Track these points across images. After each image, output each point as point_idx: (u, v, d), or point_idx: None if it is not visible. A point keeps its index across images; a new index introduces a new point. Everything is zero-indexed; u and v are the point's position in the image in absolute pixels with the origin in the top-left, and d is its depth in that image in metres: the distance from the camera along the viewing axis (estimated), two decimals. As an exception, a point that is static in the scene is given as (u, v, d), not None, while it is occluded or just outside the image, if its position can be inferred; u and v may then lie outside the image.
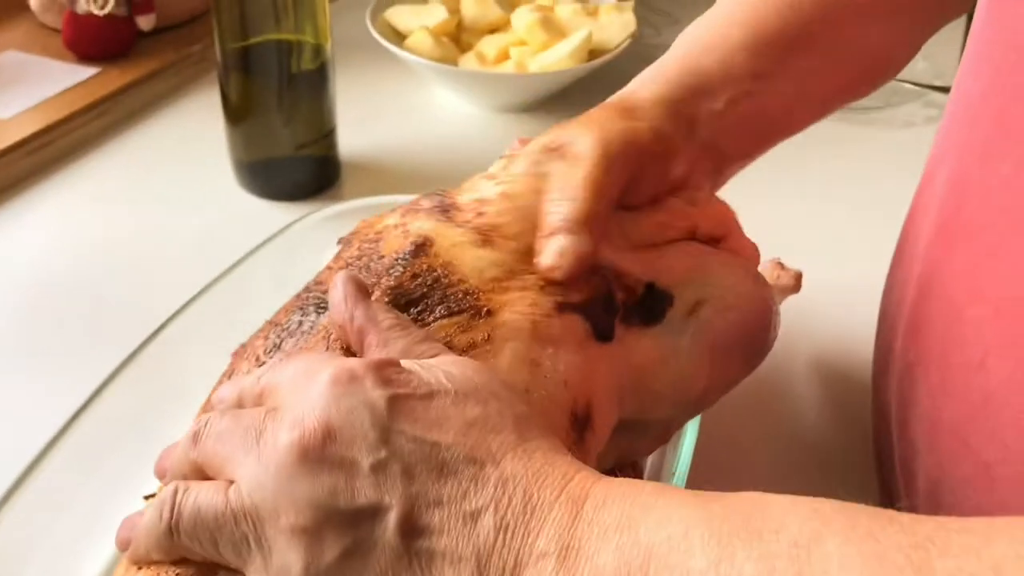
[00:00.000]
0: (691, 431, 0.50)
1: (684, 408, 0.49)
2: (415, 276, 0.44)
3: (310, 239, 0.64)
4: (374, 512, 0.32)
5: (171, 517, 0.35)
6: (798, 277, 0.67)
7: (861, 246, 0.73)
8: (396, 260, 0.45)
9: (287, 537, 0.33)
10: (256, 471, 0.34)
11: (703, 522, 0.31)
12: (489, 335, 0.43)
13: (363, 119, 0.92)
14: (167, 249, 0.77)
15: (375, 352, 0.39)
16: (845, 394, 0.66)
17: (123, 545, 0.38)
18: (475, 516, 0.32)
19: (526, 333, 0.44)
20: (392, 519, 0.32)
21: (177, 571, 0.36)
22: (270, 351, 0.44)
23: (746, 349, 0.50)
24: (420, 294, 0.44)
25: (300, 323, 0.45)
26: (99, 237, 0.79)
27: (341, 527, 0.32)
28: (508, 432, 0.35)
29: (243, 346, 0.47)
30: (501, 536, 0.32)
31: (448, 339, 0.42)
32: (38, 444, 0.47)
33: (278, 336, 0.45)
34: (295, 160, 0.82)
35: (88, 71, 0.94)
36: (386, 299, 0.43)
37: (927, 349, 0.46)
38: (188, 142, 0.91)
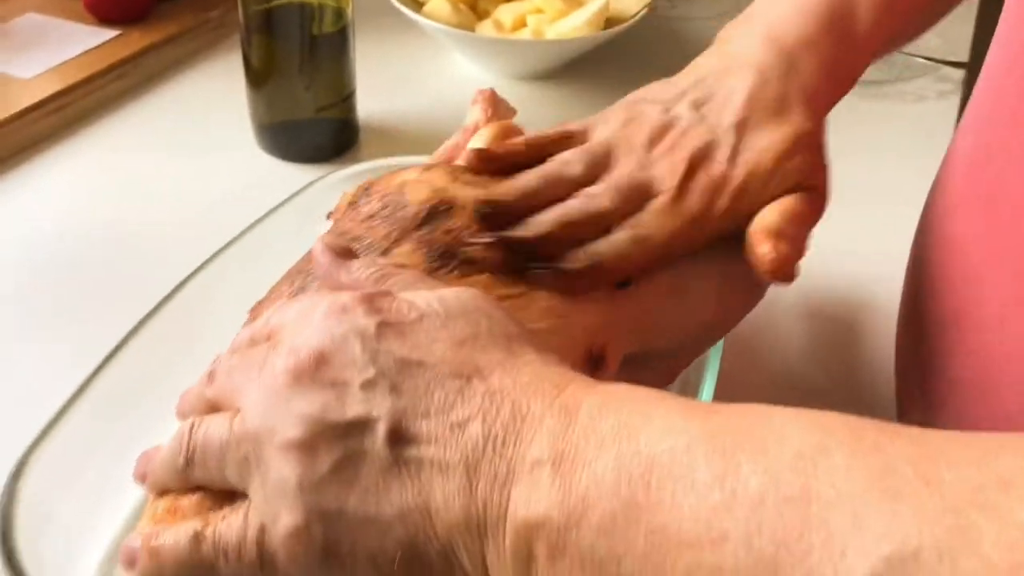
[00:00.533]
0: (709, 382, 0.51)
1: (693, 341, 0.51)
2: (447, 232, 0.45)
3: (329, 199, 0.65)
4: (363, 425, 0.34)
5: (186, 449, 0.37)
6: None
7: (873, 217, 0.74)
8: (423, 212, 0.46)
9: (283, 453, 0.34)
10: (256, 397, 0.36)
11: (706, 434, 0.31)
12: (523, 291, 0.44)
13: (381, 83, 0.93)
14: (187, 208, 0.78)
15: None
16: (869, 363, 0.67)
17: (141, 478, 0.40)
18: (461, 425, 0.33)
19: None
20: (380, 430, 0.33)
21: (193, 497, 0.37)
22: (295, 295, 0.45)
23: (750, 277, 0.51)
24: (453, 248, 0.45)
25: None
26: (119, 197, 0.80)
27: (332, 440, 0.34)
28: (498, 350, 0.35)
29: (260, 303, 0.48)
30: (490, 445, 0.33)
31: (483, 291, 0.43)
32: (62, 398, 0.48)
33: (303, 281, 0.46)
34: (315, 122, 0.83)
35: (108, 34, 0.95)
36: (423, 250, 0.44)
37: (947, 309, 0.47)
38: (207, 105, 0.91)
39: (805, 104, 0.50)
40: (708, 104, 0.50)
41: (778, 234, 0.47)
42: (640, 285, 0.48)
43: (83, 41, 0.94)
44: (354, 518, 0.33)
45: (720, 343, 0.53)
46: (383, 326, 0.35)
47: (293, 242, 0.54)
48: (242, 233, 0.61)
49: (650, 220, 0.47)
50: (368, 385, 0.34)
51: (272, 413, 0.35)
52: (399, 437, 0.33)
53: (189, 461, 0.37)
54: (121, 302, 0.65)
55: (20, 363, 0.64)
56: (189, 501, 0.37)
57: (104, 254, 0.74)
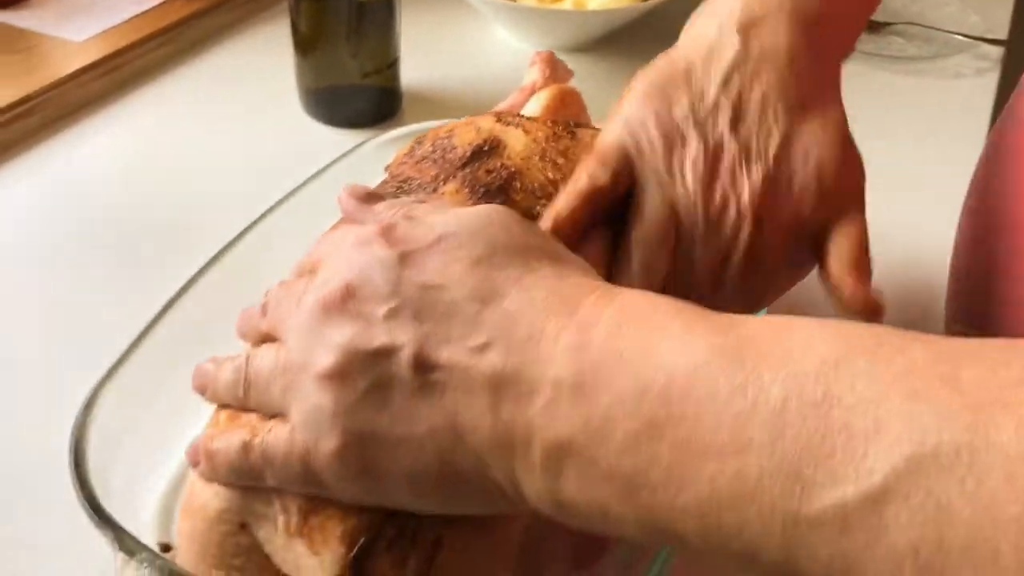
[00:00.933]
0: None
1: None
2: (489, 172, 0.47)
3: (376, 159, 0.67)
4: (389, 352, 0.35)
5: (243, 380, 0.40)
6: None
7: (913, 195, 0.75)
8: (468, 151, 0.48)
9: (318, 382, 0.36)
10: (294, 330, 0.38)
11: (726, 347, 0.31)
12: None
13: (424, 52, 0.94)
14: (235, 169, 0.80)
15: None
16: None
17: (200, 389, 0.43)
18: (481, 349, 0.34)
19: None
20: (404, 357, 0.35)
21: (252, 415, 0.40)
22: None
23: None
24: (496, 187, 0.47)
25: None
26: (169, 158, 0.82)
27: (363, 368, 0.35)
28: (515, 266, 0.36)
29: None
30: (510, 367, 0.34)
31: None
32: (125, 339, 0.50)
33: None
34: (360, 88, 0.84)
35: (156, -1, 0.97)
36: (466, 189, 0.46)
37: (996, 266, 0.48)
38: (254, 70, 0.93)
39: (836, 87, 0.49)
40: (744, 122, 0.47)
41: (859, 270, 0.46)
42: None
43: (133, 5, 0.96)
44: (388, 440, 0.35)
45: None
46: (404, 255, 0.37)
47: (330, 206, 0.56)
48: (290, 193, 0.63)
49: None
50: (391, 315, 0.36)
51: (307, 345, 0.37)
52: (422, 364, 0.35)
53: (246, 390, 0.40)
54: (170, 260, 0.68)
55: (84, 310, 0.67)
56: (247, 416, 0.40)
57: (154, 214, 0.76)
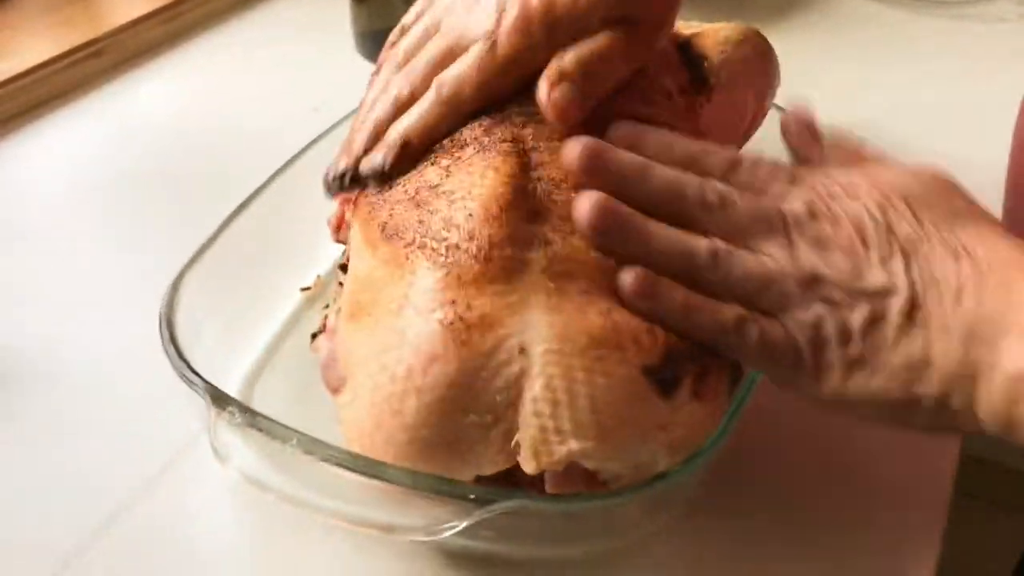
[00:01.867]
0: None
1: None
2: None
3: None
4: (887, 293, 0.40)
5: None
6: None
7: (958, 139, 0.75)
8: None
9: (806, 294, 0.42)
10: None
11: None
12: None
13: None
14: (293, 110, 0.82)
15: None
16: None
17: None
18: (958, 296, 0.39)
19: None
20: (900, 299, 0.40)
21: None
22: None
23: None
24: None
25: None
26: (227, 103, 0.84)
27: (861, 300, 0.41)
28: (972, 226, 0.41)
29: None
30: (983, 311, 0.39)
31: None
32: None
33: None
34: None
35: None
36: None
37: None
38: (309, 19, 0.97)
39: None
40: None
41: (561, 75, 0.45)
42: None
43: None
44: (868, 363, 0.40)
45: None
46: (886, 207, 0.42)
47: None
48: (341, 120, 0.63)
49: (455, 76, 0.47)
50: (884, 260, 0.41)
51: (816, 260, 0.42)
52: (914, 305, 0.40)
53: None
54: (232, 191, 0.70)
55: (141, 244, 0.69)
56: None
57: (211, 153, 0.78)
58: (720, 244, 0.42)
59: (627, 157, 0.43)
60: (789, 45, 0.65)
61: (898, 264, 0.40)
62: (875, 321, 0.40)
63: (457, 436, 0.39)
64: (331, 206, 0.52)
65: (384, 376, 0.40)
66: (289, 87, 0.86)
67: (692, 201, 0.42)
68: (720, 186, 0.43)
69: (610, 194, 0.42)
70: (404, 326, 0.40)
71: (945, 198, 0.43)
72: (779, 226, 0.42)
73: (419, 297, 0.40)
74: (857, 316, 0.40)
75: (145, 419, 0.53)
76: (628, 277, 0.41)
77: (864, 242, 0.41)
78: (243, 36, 0.94)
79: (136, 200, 0.73)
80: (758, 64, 0.60)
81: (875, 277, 0.40)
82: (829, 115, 0.50)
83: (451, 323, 0.39)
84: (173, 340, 0.45)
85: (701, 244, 0.42)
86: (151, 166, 0.76)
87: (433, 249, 0.41)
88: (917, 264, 0.40)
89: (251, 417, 0.41)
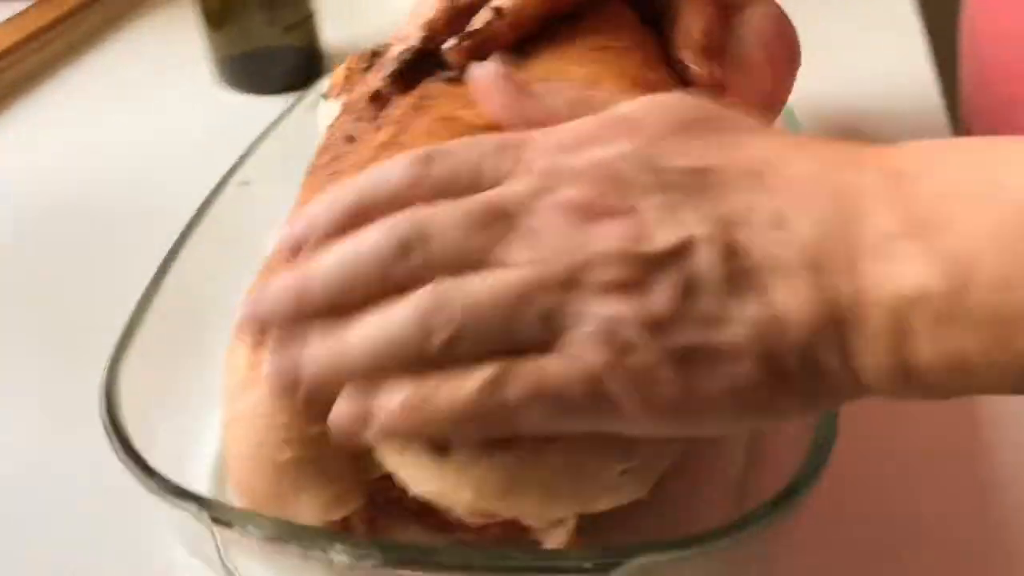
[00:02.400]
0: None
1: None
2: None
3: (311, 120, 0.61)
4: (685, 249, 0.30)
5: (442, 317, 0.31)
6: None
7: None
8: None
9: (602, 298, 0.31)
10: (537, 248, 0.33)
11: None
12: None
13: (344, 12, 0.89)
14: (162, 153, 0.73)
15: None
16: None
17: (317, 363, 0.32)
18: (780, 222, 0.30)
19: None
20: (706, 250, 0.30)
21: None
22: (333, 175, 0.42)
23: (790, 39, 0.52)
24: None
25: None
26: (85, 151, 0.74)
27: (655, 272, 0.30)
28: (759, 137, 0.32)
29: (296, 207, 0.44)
30: (821, 232, 0.29)
31: None
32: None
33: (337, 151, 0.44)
34: (278, 50, 0.78)
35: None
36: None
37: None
38: (164, 48, 0.88)
39: None
40: None
41: (706, 53, 0.46)
42: None
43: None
44: (703, 351, 0.29)
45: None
46: (645, 144, 0.31)
47: (283, 167, 0.51)
48: (236, 164, 0.56)
49: None
50: (668, 207, 0.30)
51: (568, 260, 0.30)
52: (731, 251, 0.29)
53: (454, 333, 0.30)
54: (119, 251, 0.61)
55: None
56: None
57: (75, 211, 0.68)
58: (426, 302, 0.30)
59: (276, 290, 0.32)
60: None
61: (687, 208, 0.30)
62: (688, 291, 0.29)
63: None
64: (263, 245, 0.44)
65: None
66: (152, 124, 0.77)
67: (376, 262, 0.31)
68: (404, 218, 0.31)
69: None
70: None
71: (705, 116, 0.33)
72: (503, 221, 0.31)
73: None
74: (660, 295, 0.29)
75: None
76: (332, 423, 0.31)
77: (631, 195, 0.30)
78: (91, 77, 0.84)
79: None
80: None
81: (664, 234, 0.29)
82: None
83: None
84: (136, 456, 0.35)
85: (406, 317, 0.30)
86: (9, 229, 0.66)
87: None
88: (711, 200, 0.30)
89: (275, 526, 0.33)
